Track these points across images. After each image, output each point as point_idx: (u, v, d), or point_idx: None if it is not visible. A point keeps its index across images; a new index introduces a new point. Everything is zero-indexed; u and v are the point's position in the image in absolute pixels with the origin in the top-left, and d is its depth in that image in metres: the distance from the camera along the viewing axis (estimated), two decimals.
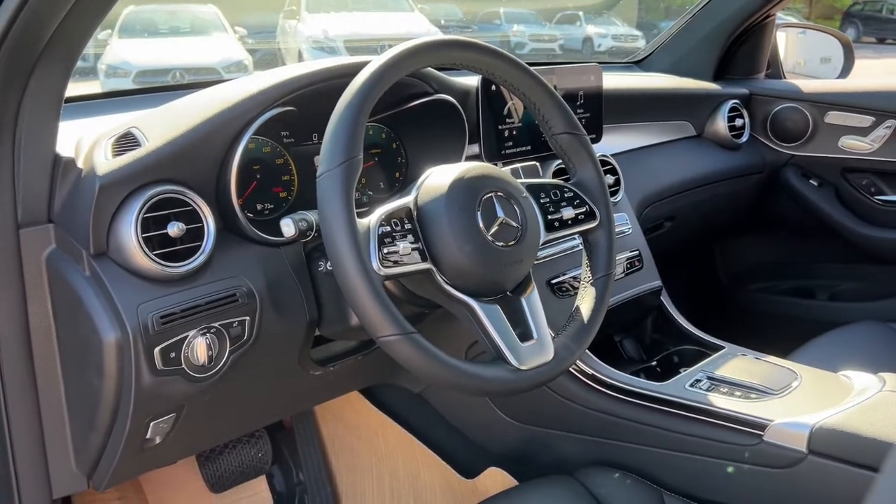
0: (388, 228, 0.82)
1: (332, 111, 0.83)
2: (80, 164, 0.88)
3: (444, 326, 1.13)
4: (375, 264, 0.79)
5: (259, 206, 1.04)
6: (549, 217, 0.96)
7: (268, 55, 8.58)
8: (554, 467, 1.23)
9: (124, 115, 1.07)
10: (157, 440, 0.97)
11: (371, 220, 0.82)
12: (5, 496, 0.95)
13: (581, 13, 13.01)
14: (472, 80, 1.20)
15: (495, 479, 1.24)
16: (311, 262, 1.01)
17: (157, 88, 1.71)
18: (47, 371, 0.93)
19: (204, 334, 0.89)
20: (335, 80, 0.98)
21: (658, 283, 1.40)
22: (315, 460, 1.52)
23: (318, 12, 8.21)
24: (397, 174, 1.19)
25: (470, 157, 1.18)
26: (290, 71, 0.99)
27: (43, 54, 0.80)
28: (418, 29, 7.87)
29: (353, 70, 0.88)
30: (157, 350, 0.85)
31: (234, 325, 0.92)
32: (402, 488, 1.43)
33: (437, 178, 0.89)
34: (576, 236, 1.01)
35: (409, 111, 1.12)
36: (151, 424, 0.93)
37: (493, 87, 1.20)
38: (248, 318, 0.93)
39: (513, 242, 0.89)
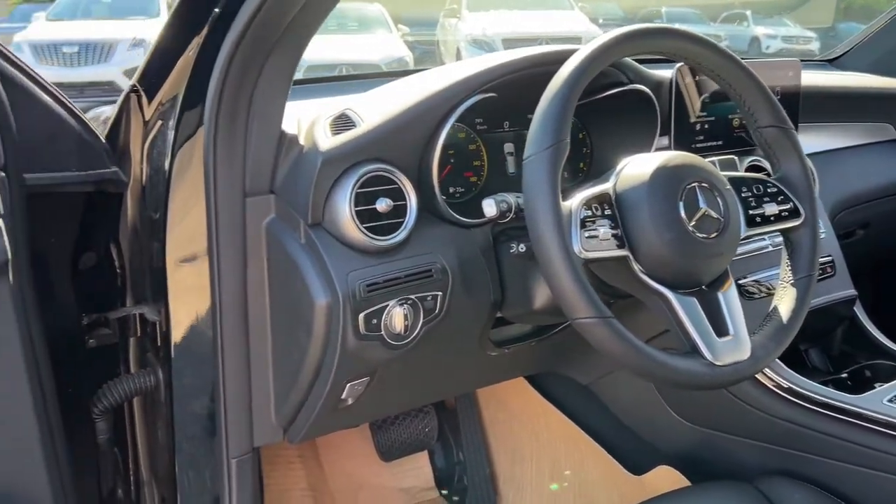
0: (589, 213, 0.84)
1: (527, 99, 0.85)
2: (301, 141, 0.96)
3: (622, 316, 1.13)
4: (577, 247, 0.81)
5: (451, 189, 1.09)
6: (751, 212, 0.94)
7: (427, 53, 8.81)
8: (728, 472, 1.19)
9: (330, 98, 1.15)
10: (350, 401, 1.03)
11: (572, 203, 0.84)
12: (215, 440, 1.05)
13: (749, 12, 12.33)
14: (665, 72, 1.19)
15: (666, 477, 1.22)
16: (498, 245, 1.04)
17: (353, 76, 1.81)
18: (258, 328, 1.02)
19: (402, 305, 0.94)
20: (538, 69, 1.00)
21: (852, 292, 1.32)
22: (475, 442, 1.55)
23: (479, 10, 8.33)
24: (581, 165, 1.20)
25: (659, 150, 1.16)
26: (496, 58, 1.02)
27: (279, 41, 0.88)
28: (578, 27, 7.79)
29: (558, 58, 0.90)
30: (361, 315, 0.91)
31: (428, 298, 0.96)
32: (563, 477, 1.43)
33: (638, 166, 0.89)
34: (764, 237, 0.97)
35: (600, 101, 1.13)
36: (348, 386, 1.00)
37: (686, 80, 1.18)
38: (440, 293, 0.97)
39: (714, 235, 0.87)
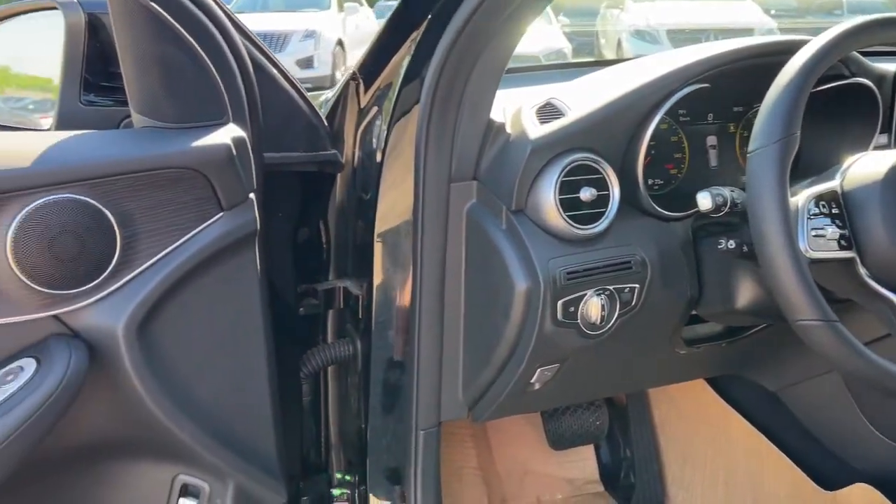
0: (816, 211, 0.80)
1: (736, 91, 0.82)
2: (508, 129, 0.99)
3: None
4: (803, 245, 0.78)
5: (650, 181, 1.07)
6: None
7: (584, 44, 8.66)
8: None
9: (529, 87, 1.17)
10: (537, 386, 1.05)
11: (798, 200, 0.81)
12: (405, 411, 1.11)
13: None
14: (887, 65, 1.11)
15: (864, 497, 1.15)
16: (699, 240, 1.02)
17: (547, 66, 1.83)
18: (452, 308, 1.06)
19: (599, 295, 0.94)
20: (756, 59, 0.97)
21: None
22: (645, 440, 1.53)
23: (644, 0, 8.08)
24: None
25: (877, 148, 1.09)
26: (710, 48, 1.00)
27: (494, 36, 0.91)
28: (751, 18, 7.36)
29: (783, 48, 0.86)
30: (560, 302, 0.93)
31: (626, 290, 0.96)
32: (739, 485, 1.38)
33: (870, 164, 0.84)
34: None
35: (817, 95, 1.07)
36: (539, 370, 1.02)
37: None
38: (637, 285, 0.97)
39: None
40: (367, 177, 1.09)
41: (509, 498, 1.54)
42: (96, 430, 0.86)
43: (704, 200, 0.91)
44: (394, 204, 1.05)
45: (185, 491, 0.96)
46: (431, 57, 0.94)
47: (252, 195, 0.88)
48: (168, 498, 0.96)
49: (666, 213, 1.00)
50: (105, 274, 0.79)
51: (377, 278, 1.09)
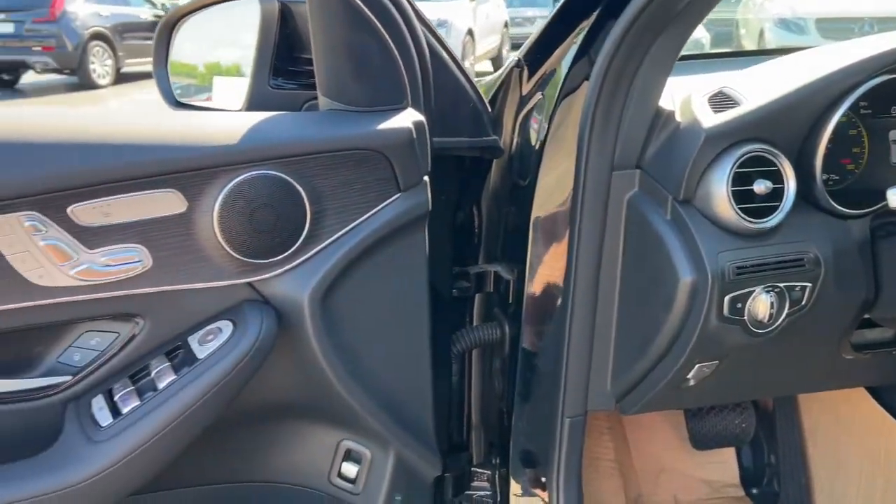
0: None
1: None
2: (678, 118, 0.97)
3: None
4: None
5: (824, 176, 1.02)
6: None
7: (723, 34, 8.27)
8: None
9: (697, 76, 1.14)
10: (692, 382, 1.03)
11: None
12: (553, 398, 1.12)
13: None
14: None
15: None
16: (878, 240, 0.97)
17: (710, 55, 1.78)
18: (606, 297, 1.06)
19: (768, 292, 0.91)
20: None
21: None
22: (793, 447, 1.47)
23: None
24: None
25: None
26: None
27: (669, 26, 0.89)
28: None
29: None
30: (727, 298, 0.91)
31: (796, 289, 0.93)
32: None
33: None
34: None
35: None
36: (697, 366, 1.00)
37: None
38: (809, 284, 0.93)
39: None
40: (526, 163, 1.11)
41: (645, 494, 1.52)
42: (276, 392, 0.92)
43: (894, 198, 0.86)
44: (552, 191, 1.05)
45: (349, 456, 1.01)
46: (601, 45, 0.94)
47: (426, 178, 0.92)
48: (332, 461, 1.02)
49: (843, 209, 0.96)
50: (295, 246, 0.84)
51: (531, 264, 1.10)
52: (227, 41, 1.19)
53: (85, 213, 0.74)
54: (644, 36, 0.90)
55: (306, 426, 1.00)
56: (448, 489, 1.21)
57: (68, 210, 0.73)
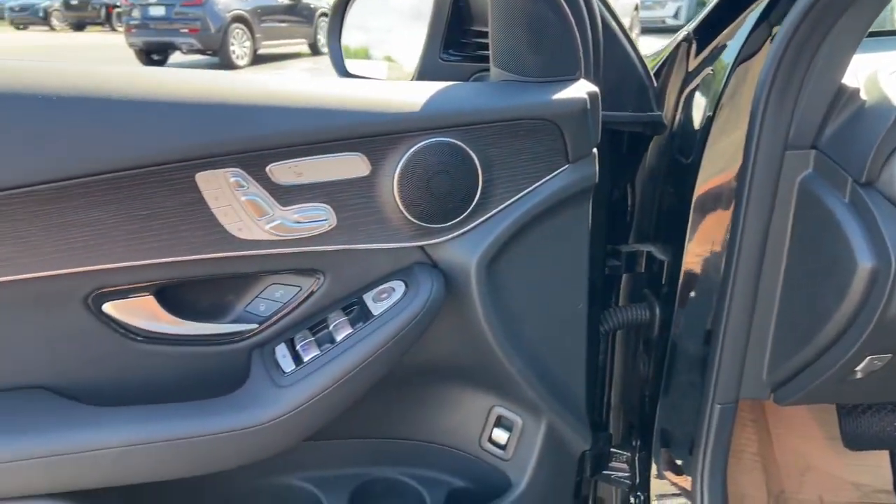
0: None
1: None
2: (864, 95, 0.92)
3: None
4: None
5: None
6: None
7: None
8: None
9: (879, 54, 1.08)
10: (859, 375, 0.99)
11: None
12: (704, 383, 1.10)
13: None
14: None
15: None
16: None
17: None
18: (769, 281, 1.02)
19: None
20: None
21: None
22: None
23: None
24: None
25: None
26: None
27: (857, 2, 0.84)
28: None
29: None
30: None
31: None
32: None
33: None
34: None
35: None
36: (868, 359, 0.95)
37: None
38: None
39: None
40: (689, 140, 1.08)
41: (789, 491, 1.46)
42: (439, 353, 0.95)
43: None
44: (717, 169, 1.03)
45: (500, 422, 1.04)
46: (784, 15, 0.90)
47: (594, 150, 0.92)
48: (484, 426, 1.04)
49: None
50: (466, 213, 0.87)
51: (689, 245, 1.08)
52: (355, 25, 1.24)
53: (281, 171, 0.79)
54: (828, 14, 0.86)
55: (462, 389, 1.03)
56: (587, 467, 1.21)
57: (267, 168, 0.79)
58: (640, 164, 1.22)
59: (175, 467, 0.81)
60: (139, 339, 0.83)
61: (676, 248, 1.11)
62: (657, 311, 1.18)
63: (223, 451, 0.81)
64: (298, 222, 0.82)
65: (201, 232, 0.79)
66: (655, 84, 1.11)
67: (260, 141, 0.77)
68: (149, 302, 0.82)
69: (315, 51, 12.31)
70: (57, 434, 0.77)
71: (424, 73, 1.07)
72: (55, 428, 0.77)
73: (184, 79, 0.78)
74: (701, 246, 1.08)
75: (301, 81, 0.82)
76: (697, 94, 1.09)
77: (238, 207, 0.79)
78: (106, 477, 0.78)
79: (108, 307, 0.80)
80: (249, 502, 0.99)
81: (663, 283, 1.17)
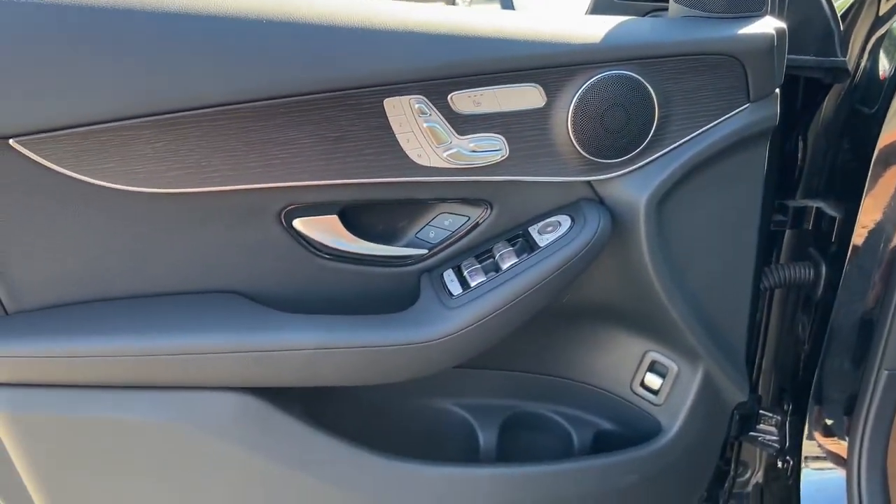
0: None
1: None
2: None
3: None
4: None
5: None
6: None
7: None
8: None
9: None
10: None
11: None
12: (872, 350, 1.04)
13: None
14: None
15: None
16: None
17: None
18: None
19: None
20: None
21: None
22: None
23: None
24: None
25: None
26: None
27: None
28: None
29: None
30: None
31: None
32: None
33: None
34: None
35: None
36: None
37: None
38: None
39: None
40: (874, 89, 1.02)
41: None
42: (598, 292, 0.96)
43: None
44: None
45: (653, 367, 1.03)
46: None
47: (777, 90, 0.89)
48: (636, 370, 1.05)
49: None
50: (639, 149, 0.87)
51: (866, 201, 1.03)
52: None
53: (461, 100, 0.82)
54: None
55: (617, 331, 1.03)
56: (733, 426, 1.19)
57: (449, 97, 0.82)
58: (816, 113, 1.16)
59: (356, 374, 0.87)
60: (323, 255, 0.89)
61: (850, 204, 1.05)
62: (823, 270, 1.13)
63: (398, 362, 0.86)
64: (474, 151, 0.85)
65: (385, 156, 0.83)
66: (841, 28, 1.05)
67: (444, 69, 0.80)
68: (333, 221, 0.88)
69: None
70: (249, 334, 0.85)
71: (598, 9, 1.06)
72: (248, 328, 0.85)
73: (374, 9, 0.82)
74: (880, 202, 1.02)
75: (481, 13, 0.84)
76: (887, 41, 1.02)
77: (419, 134, 0.83)
78: (292, 376, 0.85)
79: (298, 223, 0.87)
80: (409, 421, 1.05)
81: (832, 241, 1.11)
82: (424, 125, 0.82)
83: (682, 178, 0.89)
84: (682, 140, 0.88)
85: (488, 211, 0.91)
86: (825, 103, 1.14)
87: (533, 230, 0.90)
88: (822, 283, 1.13)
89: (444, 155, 0.84)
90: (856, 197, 1.04)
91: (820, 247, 1.15)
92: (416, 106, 0.81)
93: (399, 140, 0.83)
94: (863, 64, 1.06)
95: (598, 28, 0.84)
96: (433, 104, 0.82)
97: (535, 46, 0.82)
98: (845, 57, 1.05)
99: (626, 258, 0.92)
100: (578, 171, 0.88)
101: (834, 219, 1.11)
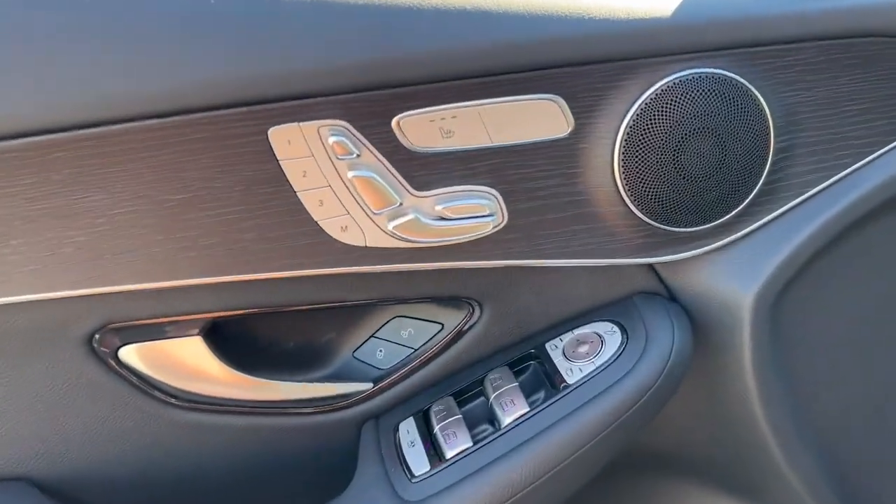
0: None
1: None
2: None
3: None
4: None
5: None
6: None
7: None
8: None
9: None
10: None
11: None
12: None
13: None
14: None
15: None
16: None
17: None
18: None
19: None
20: None
21: None
22: None
23: None
24: None
25: None
26: None
27: None
28: None
29: None
30: None
31: None
32: None
33: None
34: None
35: None
36: None
37: None
38: None
39: None
40: None
41: None
42: (667, 439, 0.58)
43: None
44: None
45: None
46: None
47: None
48: None
49: None
50: (741, 206, 0.49)
51: None
52: None
53: (415, 127, 0.44)
54: None
55: (699, 491, 0.65)
56: None
57: (393, 122, 0.44)
58: None
59: None
60: (178, 404, 0.50)
61: None
62: None
63: None
64: (443, 219, 0.47)
65: (279, 231, 0.46)
66: None
67: (382, 69, 0.43)
68: (194, 345, 0.49)
69: None
70: None
71: None
72: None
73: None
74: None
75: None
76: None
77: (341, 190, 0.45)
78: None
79: (127, 353, 0.48)
80: None
81: None
82: (349, 174, 0.45)
83: (816, 255, 0.51)
84: (814, 190, 0.50)
85: (475, 314, 0.53)
86: None
87: (554, 350, 0.52)
88: None
89: (390, 227, 0.46)
90: None
91: None
92: (332, 140, 0.44)
93: (304, 202, 0.45)
94: None
95: None
96: (365, 136, 0.44)
97: (549, 25, 0.44)
98: None
99: (718, 386, 0.54)
100: (633, 249, 0.50)
101: None
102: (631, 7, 0.46)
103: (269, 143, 0.43)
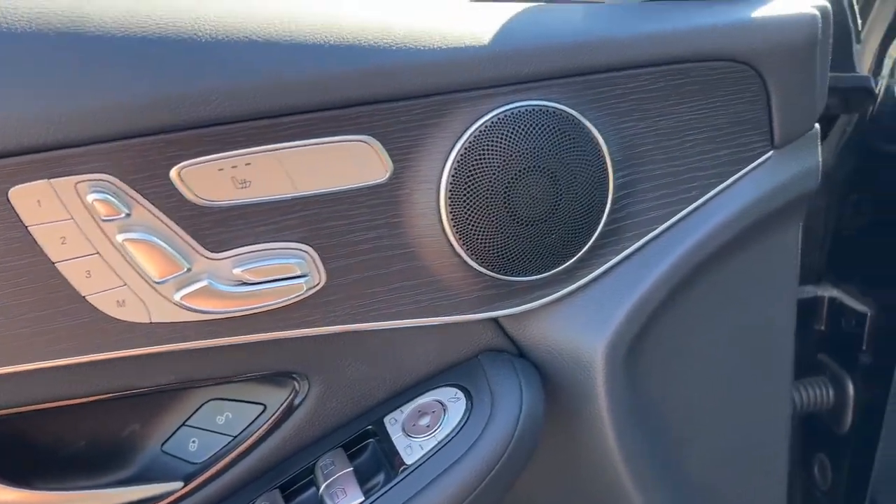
0: None
1: None
2: None
3: None
4: None
5: None
6: None
7: None
8: None
9: None
10: None
11: None
12: None
13: None
14: None
15: None
16: None
17: None
18: None
19: None
20: None
21: None
22: None
23: None
24: None
25: None
26: None
27: None
28: None
29: None
30: None
31: None
32: None
33: None
34: None
35: None
36: None
37: None
38: None
39: None
40: None
41: None
42: (526, 493, 0.53)
43: None
44: None
45: None
46: None
47: (817, 125, 0.49)
48: None
49: None
50: (583, 251, 0.44)
51: None
52: None
53: (200, 178, 0.37)
54: None
55: None
56: None
57: (172, 173, 0.37)
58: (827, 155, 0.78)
59: None
60: None
61: (888, 291, 0.68)
62: (850, 390, 0.74)
63: None
64: (245, 283, 0.40)
65: (38, 311, 0.37)
66: (861, 32, 0.68)
67: (148, 113, 0.36)
68: None
69: None
70: None
71: None
72: None
73: None
74: None
75: None
76: None
77: (113, 258, 0.37)
78: None
79: None
80: None
81: (863, 346, 0.73)
82: (119, 238, 0.37)
83: (668, 298, 0.47)
84: (661, 227, 0.46)
85: (302, 391, 0.46)
86: (830, 139, 0.76)
87: (393, 424, 0.45)
88: (849, 410, 0.75)
89: (177, 298, 0.39)
90: (892, 281, 0.66)
91: (841, 355, 0.77)
92: (92, 198, 0.36)
93: (64, 274, 0.37)
94: (881, 85, 0.70)
95: (491, 20, 0.43)
96: (137, 190, 0.37)
97: (364, 55, 0.39)
98: (868, 73, 0.68)
99: (575, 443, 0.49)
100: (471, 303, 0.44)
101: (863, 315, 0.73)
102: (447, 35, 0.41)
103: (11, 207, 0.35)
